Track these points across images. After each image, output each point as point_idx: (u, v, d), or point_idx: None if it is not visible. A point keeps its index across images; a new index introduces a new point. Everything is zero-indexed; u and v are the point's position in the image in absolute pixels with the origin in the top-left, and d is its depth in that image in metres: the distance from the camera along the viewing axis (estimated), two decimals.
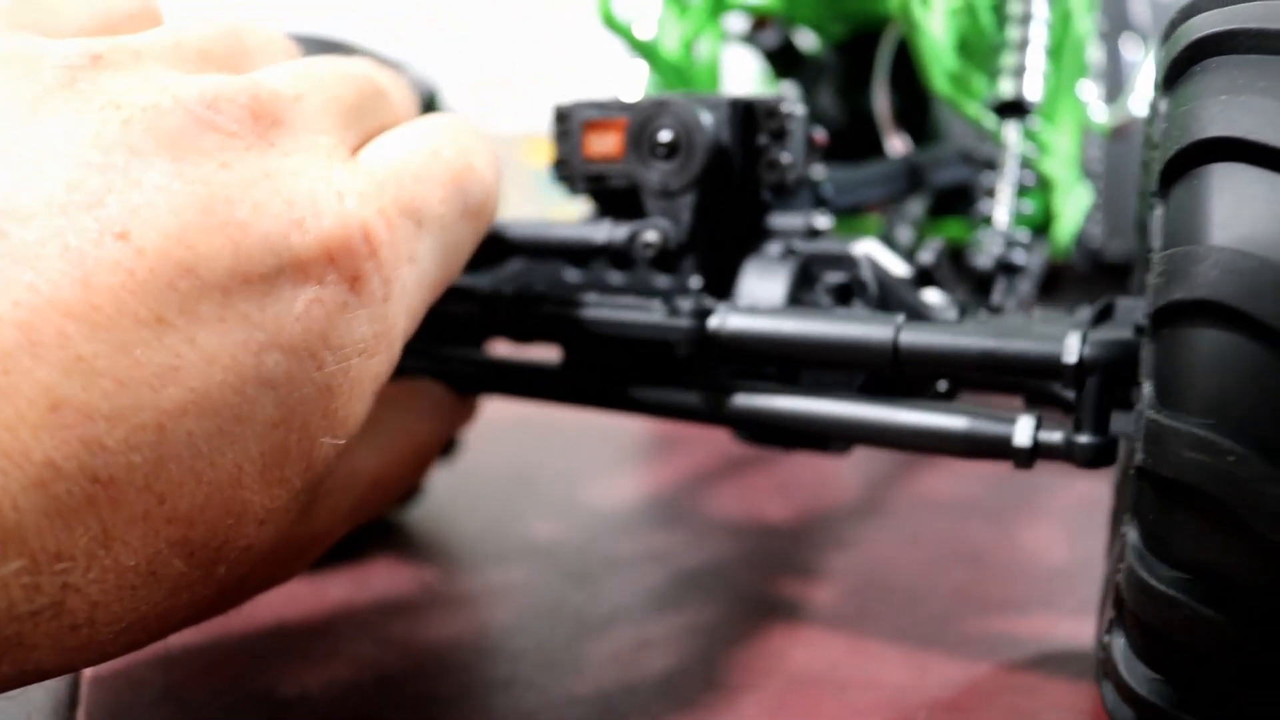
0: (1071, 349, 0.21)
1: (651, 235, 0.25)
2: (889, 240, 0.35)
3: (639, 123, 0.25)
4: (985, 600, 0.30)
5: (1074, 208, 0.40)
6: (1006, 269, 0.30)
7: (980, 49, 0.32)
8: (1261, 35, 0.19)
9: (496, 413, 0.44)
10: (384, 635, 0.28)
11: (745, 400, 0.24)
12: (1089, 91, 0.42)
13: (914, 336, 0.22)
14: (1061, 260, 0.41)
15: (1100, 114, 0.42)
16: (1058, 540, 0.35)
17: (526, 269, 0.29)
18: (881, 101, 0.36)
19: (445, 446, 0.36)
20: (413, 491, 0.36)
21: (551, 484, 0.41)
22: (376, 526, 0.35)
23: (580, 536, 0.35)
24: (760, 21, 0.42)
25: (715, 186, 0.25)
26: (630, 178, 0.26)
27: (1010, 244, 0.31)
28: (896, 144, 0.36)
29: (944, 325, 0.22)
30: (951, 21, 0.31)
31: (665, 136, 0.25)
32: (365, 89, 0.21)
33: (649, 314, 0.24)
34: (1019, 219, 0.32)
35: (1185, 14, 0.21)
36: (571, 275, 0.28)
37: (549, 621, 0.29)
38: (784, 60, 0.43)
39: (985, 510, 0.37)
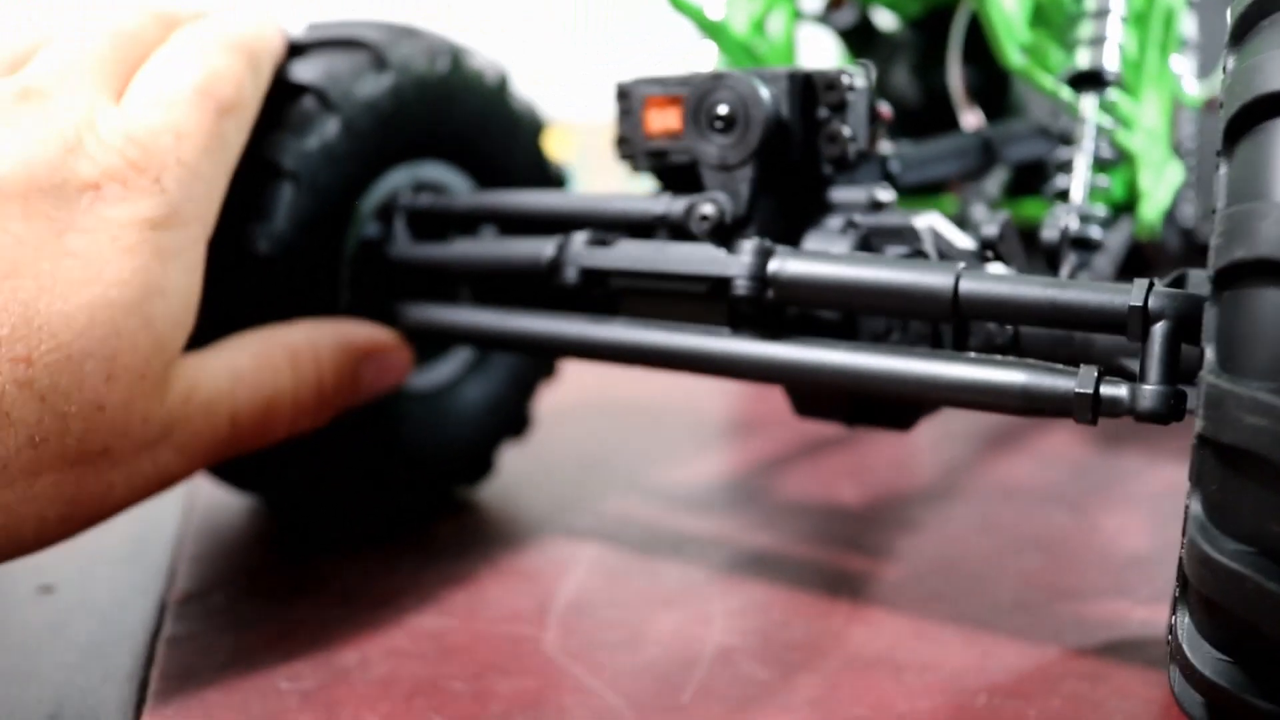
0: (1137, 295, 0.20)
1: (708, 208, 0.25)
2: (964, 218, 0.35)
3: (697, 97, 0.25)
4: (1056, 586, 0.29)
5: (1163, 185, 0.38)
6: (1079, 243, 0.29)
7: (1056, 19, 0.31)
8: None
9: (572, 394, 0.44)
10: (447, 607, 0.28)
11: (800, 354, 0.23)
12: (1181, 64, 0.40)
13: (975, 284, 0.21)
14: (1151, 239, 0.40)
15: (1193, 87, 0.40)
16: (1138, 527, 0.33)
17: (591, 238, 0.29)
18: (955, 76, 0.35)
19: (517, 425, 0.37)
20: (484, 469, 0.36)
21: (624, 465, 0.41)
22: (447, 503, 0.36)
23: (649, 516, 0.35)
24: (836, 1, 0.42)
25: (774, 160, 0.25)
26: (690, 153, 0.26)
27: (1084, 219, 0.30)
28: (970, 119, 0.35)
29: (1006, 275, 0.22)
30: None
31: (722, 110, 0.25)
32: (121, 42, 0.27)
33: (712, 254, 0.24)
34: (1097, 194, 0.31)
35: None
36: None
37: (611, 597, 0.29)
38: (860, 39, 0.42)
39: (1064, 496, 0.36)
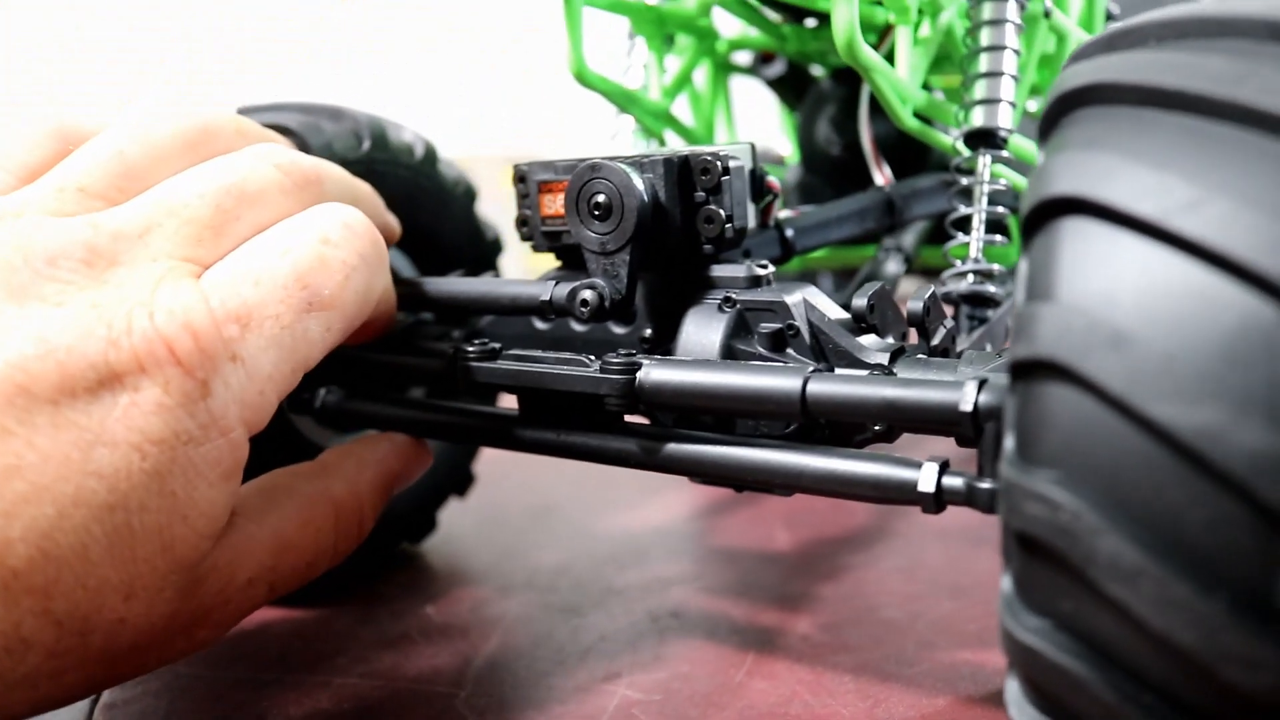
0: (968, 398, 0.21)
1: (588, 294, 0.26)
2: (877, 270, 0.36)
3: (576, 187, 0.26)
4: (964, 633, 0.30)
5: None
6: (976, 301, 0.30)
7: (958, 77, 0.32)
8: (1124, 89, 0.19)
9: None
10: (375, 667, 0.30)
11: (676, 449, 0.25)
12: None
13: (821, 387, 0.23)
14: None
15: None
16: None
17: (498, 322, 0.31)
18: (865, 134, 0.36)
19: (460, 485, 0.38)
20: (428, 528, 0.37)
21: (568, 516, 0.42)
22: (391, 558, 0.37)
23: (585, 568, 0.36)
24: (766, 54, 0.43)
25: (653, 242, 0.26)
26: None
27: (982, 276, 0.31)
28: (880, 175, 0.36)
29: (851, 376, 0.23)
30: (921, 53, 0.31)
31: (600, 199, 0.26)
32: (229, 205, 0.24)
33: (584, 370, 0.25)
34: (992, 251, 0.32)
35: (1071, 61, 0.21)
36: (539, 325, 0.30)
37: (530, 654, 0.30)
38: (792, 88, 0.43)
39: (994, 538, 0.37)
